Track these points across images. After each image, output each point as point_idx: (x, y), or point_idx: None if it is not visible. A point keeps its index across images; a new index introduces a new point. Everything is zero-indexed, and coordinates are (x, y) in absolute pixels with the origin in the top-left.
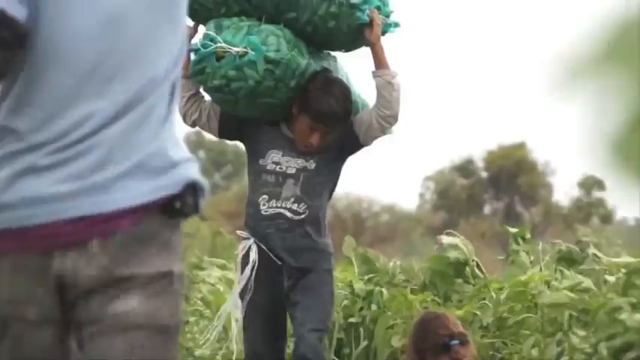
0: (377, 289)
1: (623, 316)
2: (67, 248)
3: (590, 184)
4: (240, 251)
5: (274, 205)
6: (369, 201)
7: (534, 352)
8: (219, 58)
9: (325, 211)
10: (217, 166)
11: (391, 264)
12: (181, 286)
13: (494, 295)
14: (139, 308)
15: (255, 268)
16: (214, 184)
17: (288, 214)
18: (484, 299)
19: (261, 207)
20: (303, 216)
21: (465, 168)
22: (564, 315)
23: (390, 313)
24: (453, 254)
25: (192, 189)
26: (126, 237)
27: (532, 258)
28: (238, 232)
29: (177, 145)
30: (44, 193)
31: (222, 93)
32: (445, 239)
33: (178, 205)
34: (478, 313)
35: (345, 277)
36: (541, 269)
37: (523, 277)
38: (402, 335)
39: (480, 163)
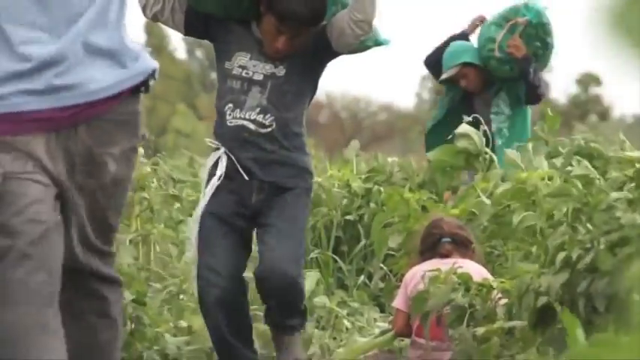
0: (375, 187)
1: (619, 213)
2: (59, 131)
3: (588, 80)
4: (208, 163)
5: (238, 115)
6: (366, 100)
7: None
8: None
9: (301, 124)
10: (214, 66)
11: (389, 160)
12: (136, 154)
13: (487, 194)
14: (114, 172)
15: (221, 178)
16: (211, 83)
17: (252, 126)
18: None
19: (227, 117)
20: (269, 129)
21: None
22: (564, 208)
23: (386, 212)
24: (462, 143)
25: (152, 74)
26: (105, 122)
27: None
28: (208, 140)
29: (129, 37)
30: (39, 86)
31: None
32: (460, 128)
33: (143, 90)
34: (475, 211)
35: (343, 176)
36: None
37: (523, 174)
38: (398, 234)
39: None
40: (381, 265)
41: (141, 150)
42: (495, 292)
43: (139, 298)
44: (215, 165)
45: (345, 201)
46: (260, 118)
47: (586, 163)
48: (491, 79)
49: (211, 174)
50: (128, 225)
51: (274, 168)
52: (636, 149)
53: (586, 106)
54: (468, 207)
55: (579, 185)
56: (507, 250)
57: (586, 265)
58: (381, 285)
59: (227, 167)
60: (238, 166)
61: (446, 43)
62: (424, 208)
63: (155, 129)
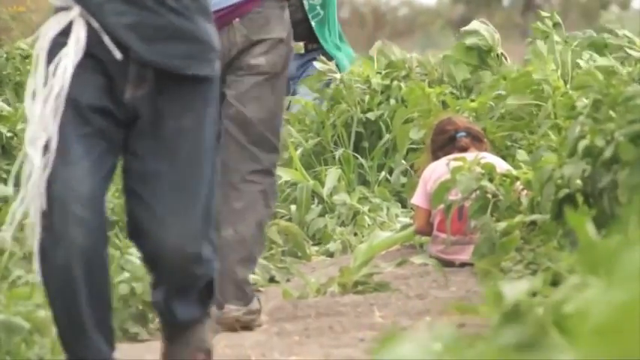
0: (395, 83)
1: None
2: (224, 26)
3: None
4: (45, 31)
5: None
6: None
7: (551, 138)
8: None
9: None
10: None
11: (408, 56)
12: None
13: (508, 85)
14: (265, 61)
15: (79, 56)
16: None
17: None
18: (499, 89)
19: None
20: None
21: None
22: (583, 99)
23: (407, 107)
24: (471, 40)
25: None
26: (254, 15)
27: (559, 46)
28: None
29: None
30: None
31: None
32: (470, 25)
33: None
34: (492, 104)
35: (363, 72)
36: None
37: (538, 66)
38: (420, 128)
39: None
40: (403, 160)
41: None
42: (519, 183)
43: None
44: (62, 36)
45: (366, 97)
46: None
47: (608, 56)
48: None
49: (55, 50)
50: None
51: (164, 39)
52: None
53: None
54: (487, 99)
55: (600, 77)
56: (530, 143)
57: (608, 156)
58: (403, 180)
59: (87, 42)
60: (106, 39)
61: None
62: (444, 104)
63: None
